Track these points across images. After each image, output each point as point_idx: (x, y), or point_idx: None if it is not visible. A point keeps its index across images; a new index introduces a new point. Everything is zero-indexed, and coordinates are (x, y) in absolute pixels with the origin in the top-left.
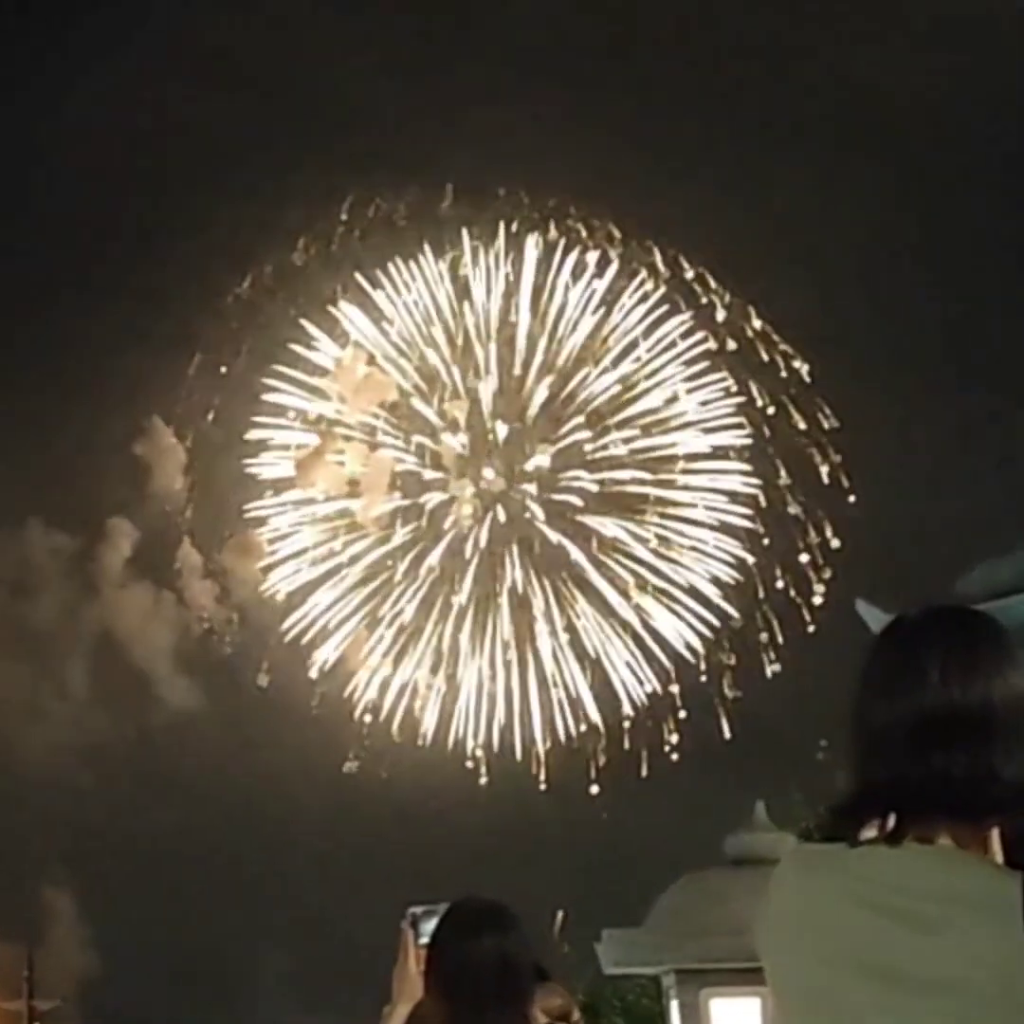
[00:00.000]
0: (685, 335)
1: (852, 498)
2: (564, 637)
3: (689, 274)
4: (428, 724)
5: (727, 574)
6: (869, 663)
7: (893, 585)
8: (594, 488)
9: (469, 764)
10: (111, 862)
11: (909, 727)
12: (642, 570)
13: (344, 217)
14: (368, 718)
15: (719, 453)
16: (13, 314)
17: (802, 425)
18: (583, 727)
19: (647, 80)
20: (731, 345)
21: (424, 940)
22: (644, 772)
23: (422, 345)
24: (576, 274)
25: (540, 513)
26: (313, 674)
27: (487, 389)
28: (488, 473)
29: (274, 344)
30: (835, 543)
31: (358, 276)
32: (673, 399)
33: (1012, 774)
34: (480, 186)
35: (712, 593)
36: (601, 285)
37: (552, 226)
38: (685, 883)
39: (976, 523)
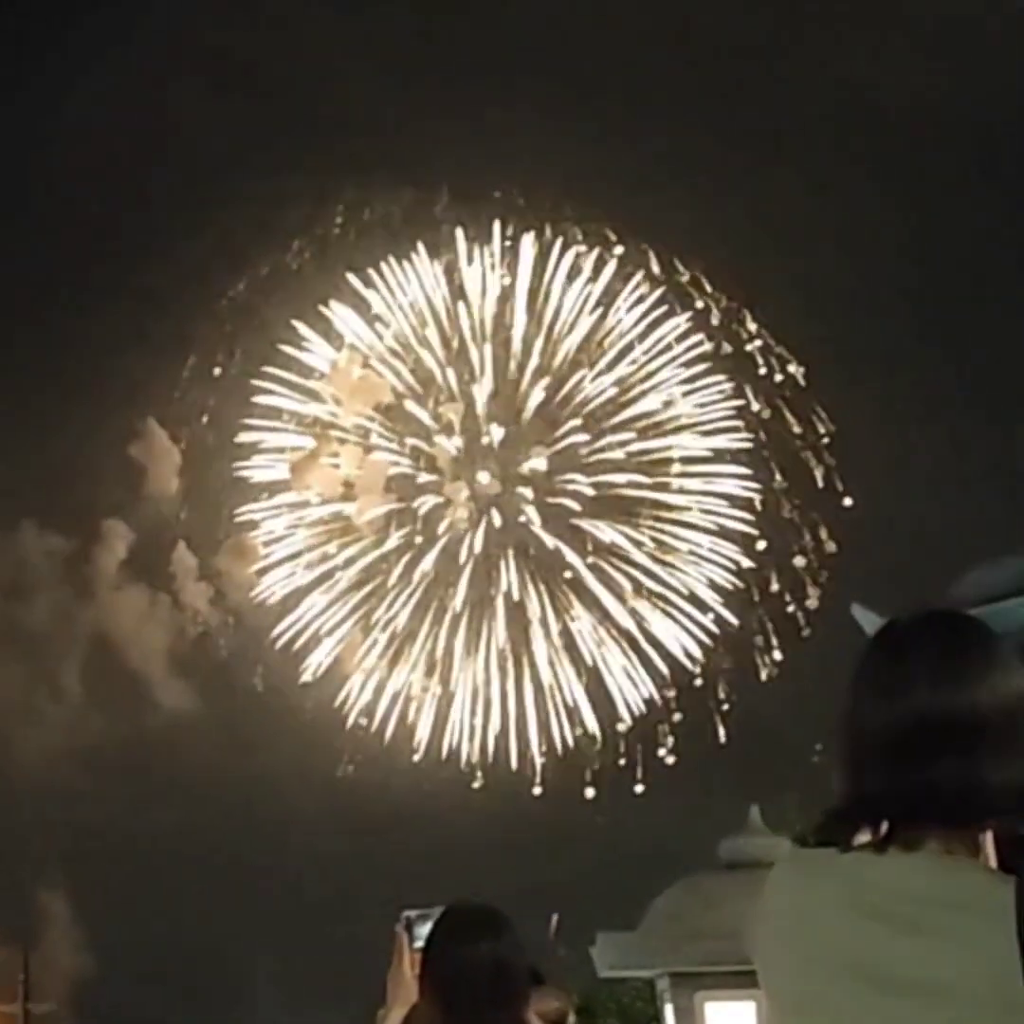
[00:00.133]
0: (681, 338)
1: (847, 501)
2: (560, 642)
3: (685, 277)
4: (423, 728)
5: (724, 578)
6: (861, 668)
7: (889, 588)
8: (590, 492)
9: (464, 768)
10: (106, 864)
11: (900, 732)
12: (639, 575)
13: (339, 219)
14: (363, 722)
15: (716, 457)
16: (12, 314)
17: (797, 429)
18: (579, 732)
19: (643, 83)
20: (726, 348)
21: (419, 944)
22: (639, 776)
23: (417, 347)
24: (572, 276)
25: (536, 517)
26: (307, 677)
27: (482, 391)
28: (483, 476)
29: (269, 346)
30: (830, 547)
31: (352, 278)
32: (670, 402)
33: (1002, 779)
34: (476, 188)
35: (709, 598)
36: (597, 287)
37: (548, 228)
38: (680, 887)
39: (971, 525)
